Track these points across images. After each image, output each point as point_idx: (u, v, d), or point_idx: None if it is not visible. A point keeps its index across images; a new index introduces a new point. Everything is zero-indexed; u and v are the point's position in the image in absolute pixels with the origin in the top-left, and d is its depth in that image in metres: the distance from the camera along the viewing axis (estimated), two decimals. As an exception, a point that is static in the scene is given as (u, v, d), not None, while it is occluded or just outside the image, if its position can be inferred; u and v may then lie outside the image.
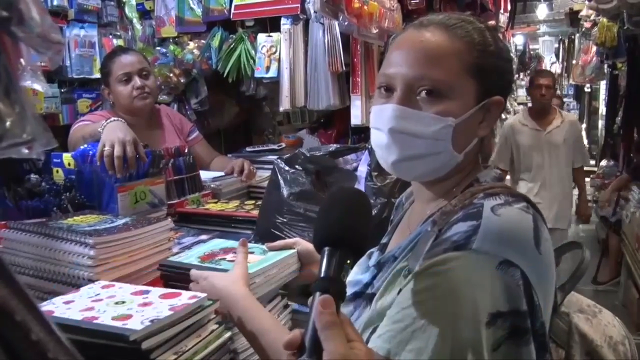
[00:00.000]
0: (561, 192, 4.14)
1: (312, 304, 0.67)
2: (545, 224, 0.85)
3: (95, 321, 0.89)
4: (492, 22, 4.08)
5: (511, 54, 1.02)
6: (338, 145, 1.74)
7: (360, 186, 1.51)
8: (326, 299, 0.66)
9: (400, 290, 0.82)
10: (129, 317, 0.90)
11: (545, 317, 0.80)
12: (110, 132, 1.73)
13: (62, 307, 0.96)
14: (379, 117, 0.91)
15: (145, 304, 0.96)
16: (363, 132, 2.70)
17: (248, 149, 2.75)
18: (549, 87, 4.13)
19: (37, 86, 0.82)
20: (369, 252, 1.07)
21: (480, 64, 0.89)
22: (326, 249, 0.71)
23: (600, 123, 9.53)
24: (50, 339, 0.37)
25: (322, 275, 0.70)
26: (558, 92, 12.57)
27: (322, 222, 0.76)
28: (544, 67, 11.84)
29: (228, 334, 1.03)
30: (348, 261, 0.71)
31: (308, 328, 0.66)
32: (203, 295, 1.00)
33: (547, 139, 4.14)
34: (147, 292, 1.03)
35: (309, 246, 1.29)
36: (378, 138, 0.93)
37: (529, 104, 4.74)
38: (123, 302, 0.97)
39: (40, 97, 2.82)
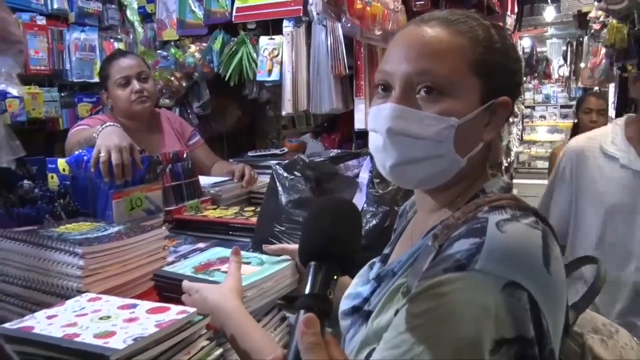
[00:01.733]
0: None
1: (296, 322, 0.64)
2: (556, 239, 0.78)
3: (76, 339, 0.84)
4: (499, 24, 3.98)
5: (519, 54, 0.96)
6: (339, 151, 1.69)
7: (362, 194, 1.46)
8: (310, 318, 0.62)
9: (397, 311, 0.77)
10: (111, 334, 0.85)
11: (555, 343, 0.74)
12: (106, 138, 1.69)
13: (44, 323, 0.91)
14: (376, 118, 0.86)
15: (130, 320, 0.91)
16: (367, 137, 2.64)
17: (250, 153, 2.71)
18: None
19: (12, 90, 0.77)
20: (370, 262, 1.02)
21: (485, 61, 0.83)
22: (312, 263, 0.68)
23: (609, 126, 9.42)
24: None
25: (307, 291, 0.66)
26: (565, 94, 12.46)
27: (307, 234, 0.72)
28: (552, 70, 11.72)
29: (219, 351, 0.98)
30: (335, 277, 0.68)
31: (291, 348, 0.62)
32: (192, 310, 0.95)
33: None
34: (134, 306, 0.98)
35: None
36: (375, 141, 0.87)
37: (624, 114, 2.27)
38: (108, 317, 0.93)
39: (39, 101, 2.80)
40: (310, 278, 0.67)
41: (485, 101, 0.84)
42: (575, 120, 3.32)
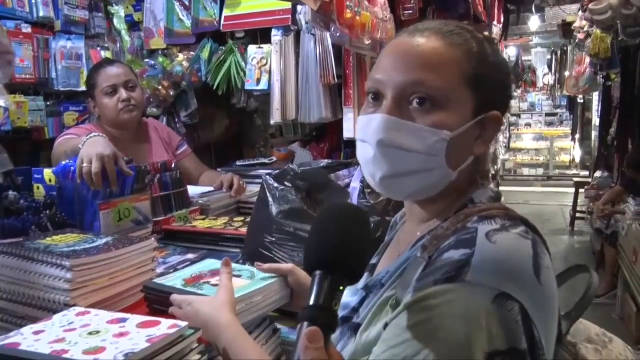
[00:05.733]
0: None
1: (298, 334, 0.61)
2: (546, 249, 0.78)
3: (64, 355, 0.81)
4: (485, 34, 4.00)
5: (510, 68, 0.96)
6: (329, 160, 1.68)
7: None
8: (313, 332, 0.60)
9: (386, 324, 0.75)
10: (101, 350, 0.83)
11: (548, 354, 0.73)
12: (89, 147, 1.66)
13: (30, 339, 0.88)
14: (365, 128, 0.85)
15: (120, 334, 0.89)
16: (356, 146, 2.63)
17: (238, 162, 2.69)
18: None
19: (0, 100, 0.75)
20: None
21: (478, 74, 0.82)
22: (317, 272, 0.65)
23: (594, 134, 9.56)
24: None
25: (311, 302, 0.63)
26: (550, 102, 12.49)
27: (312, 241, 0.69)
28: (536, 78, 11.84)
29: (211, 365, 0.96)
30: (341, 287, 0.65)
31: None
32: (184, 324, 0.93)
33: None
34: (124, 320, 0.96)
35: (303, 277, 1.19)
36: (364, 151, 0.86)
37: None
38: (97, 332, 0.90)
39: (24, 110, 2.77)
40: (314, 288, 0.64)
41: (477, 114, 0.83)
42: None
